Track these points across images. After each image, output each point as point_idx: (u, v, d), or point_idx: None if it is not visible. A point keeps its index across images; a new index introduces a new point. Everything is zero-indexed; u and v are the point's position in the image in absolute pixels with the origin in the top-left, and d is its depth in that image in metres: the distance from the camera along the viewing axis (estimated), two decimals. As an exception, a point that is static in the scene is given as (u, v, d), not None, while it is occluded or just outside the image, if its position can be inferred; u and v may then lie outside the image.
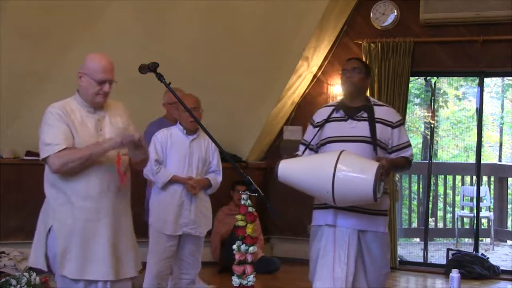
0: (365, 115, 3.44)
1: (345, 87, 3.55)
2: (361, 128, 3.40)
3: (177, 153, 4.04)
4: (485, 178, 8.54)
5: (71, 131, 2.88)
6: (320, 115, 3.59)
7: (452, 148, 10.83)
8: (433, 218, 8.86)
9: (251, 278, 3.03)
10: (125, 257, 2.98)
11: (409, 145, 3.50)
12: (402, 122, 3.53)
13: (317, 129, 3.53)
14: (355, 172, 3.11)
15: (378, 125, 3.41)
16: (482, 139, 7.04)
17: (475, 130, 6.95)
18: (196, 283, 4.33)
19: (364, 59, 6.46)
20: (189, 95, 4.10)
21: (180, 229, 4.01)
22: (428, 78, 7.04)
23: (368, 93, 3.78)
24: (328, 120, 3.50)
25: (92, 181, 2.88)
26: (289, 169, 3.30)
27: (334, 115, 3.50)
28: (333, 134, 3.45)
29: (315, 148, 3.55)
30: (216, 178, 4.18)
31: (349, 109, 3.48)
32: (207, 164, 4.15)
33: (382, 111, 3.48)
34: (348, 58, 3.71)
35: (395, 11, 6.51)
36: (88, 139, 2.88)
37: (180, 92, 4.66)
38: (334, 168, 3.10)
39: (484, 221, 8.53)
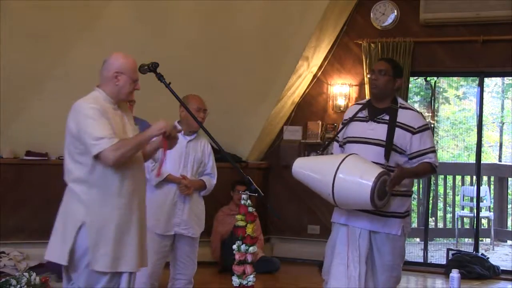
0: (387, 118, 3.39)
1: (370, 89, 3.55)
2: (379, 131, 3.36)
3: (173, 152, 4.03)
4: (485, 178, 8.54)
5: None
6: (349, 112, 3.60)
7: (452, 148, 10.83)
8: (433, 218, 8.86)
9: (251, 278, 3.04)
10: (145, 249, 3.11)
11: (433, 151, 3.39)
12: (426, 128, 3.41)
13: (344, 126, 3.55)
14: (354, 177, 3.09)
15: (397, 130, 3.35)
16: (482, 139, 7.04)
17: (475, 130, 6.96)
18: None
19: (364, 59, 6.47)
20: (196, 96, 4.12)
21: (172, 229, 4.02)
22: (428, 78, 7.03)
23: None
24: (353, 118, 3.50)
25: (126, 179, 2.95)
26: (301, 167, 3.33)
27: (359, 114, 3.49)
28: (352, 134, 3.45)
29: (343, 145, 3.55)
30: (211, 181, 4.19)
31: (373, 110, 3.45)
32: (202, 165, 4.17)
33: (406, 115, 3.40)
34: (379, 58, 3.68)
35: (395, 11, 6.51)
36: (121, 135, 2.94)
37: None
38: (335, 171, 3.10)
39: (484, 221, 8.53)
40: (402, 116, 3.39)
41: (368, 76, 3.56)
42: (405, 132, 3.36)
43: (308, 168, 3.32)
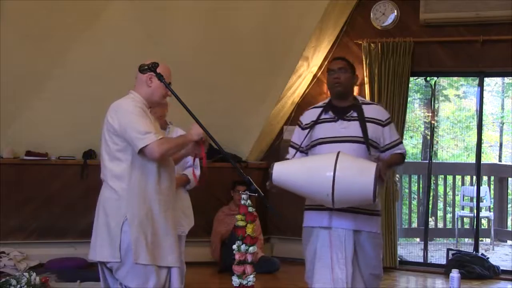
0: (355, 115, 3.41)
1: (333, 88, 3.50)
2: (352, 128, 3.38)
3: None
4: (485, 178, 8.54)
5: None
6: (307, 116, 3.55)
7: (452, 148, 10.84)
8: (433, 218, 8.86)
9: (251, 278, 3.04)
10: (178, 246, 3.20)
11: (401, 142, 3.52)
12: (391, 120, 3.52)
13: (306, 131, 3.49)
14: (355, 174, 3.08)
15: (369, 124, 3.38)
16: (482, 139, 7.04)
17: (475, 130, 6.95)
18: None
19: (364, 59, 6.47)
20: None
21: None
22: (428, 78, 7.03)
23: (355, 93, 3.73)
24: (317, 121, 3.47)
25: (163, 177, 3.07)
26: (284, 172, 3.26)
27: (323, 116, 3.46)
28: (324, 135, 3.42)
29: (305, 150, 3.52)
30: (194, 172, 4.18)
31: (338, 110, 3.45)
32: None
33: (372, 110, 3.46)
34: (333, 58, 3.64)
35: (395, 11, 6.51)
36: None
37: None
38: (333, 170, 3.07)
39: (484, 221, 8.53)
40: (369, 111, 3.44)
41: (328, 76, 3.52)
42: (377, 126, 3.42)
43: (295, 173, 3.25)
